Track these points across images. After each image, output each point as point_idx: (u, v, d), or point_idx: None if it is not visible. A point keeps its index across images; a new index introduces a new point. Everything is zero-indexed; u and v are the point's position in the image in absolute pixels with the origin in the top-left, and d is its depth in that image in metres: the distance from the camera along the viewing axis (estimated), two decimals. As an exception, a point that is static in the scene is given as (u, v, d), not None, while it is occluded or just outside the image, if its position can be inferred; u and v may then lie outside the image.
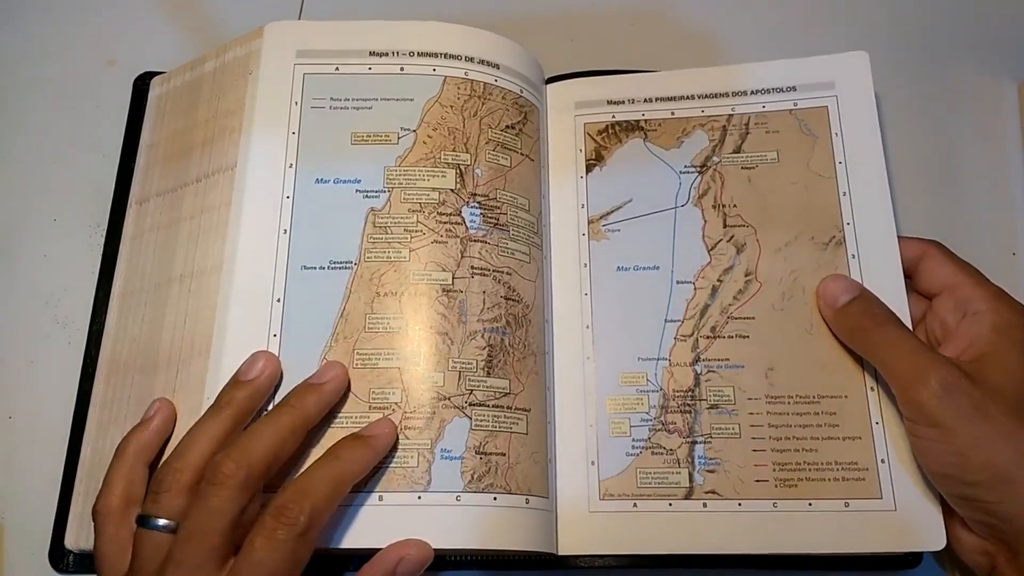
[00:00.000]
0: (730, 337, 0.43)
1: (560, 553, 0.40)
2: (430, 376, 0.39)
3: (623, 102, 0.48)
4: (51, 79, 0.54)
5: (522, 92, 0.46)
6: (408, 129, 0.44)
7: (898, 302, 0.42)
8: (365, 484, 0.38)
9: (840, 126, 0.46)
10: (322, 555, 0.42)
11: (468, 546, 0.37)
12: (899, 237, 0.43)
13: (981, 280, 0.41)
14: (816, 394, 0.41)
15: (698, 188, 0.46)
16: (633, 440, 0.42)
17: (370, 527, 0.37)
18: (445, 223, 0.42)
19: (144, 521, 0.35)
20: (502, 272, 0.42)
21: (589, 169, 0.47)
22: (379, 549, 0.40)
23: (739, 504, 0.40)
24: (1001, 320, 0.39)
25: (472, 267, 0.41)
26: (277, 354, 0.40)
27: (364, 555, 0.42)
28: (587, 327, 0.44)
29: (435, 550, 0.39)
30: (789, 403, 0.42)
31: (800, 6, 0.57)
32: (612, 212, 0.46)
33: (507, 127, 0.45)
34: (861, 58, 0.47)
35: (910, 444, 0.39)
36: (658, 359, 0.43)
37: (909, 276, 0.43)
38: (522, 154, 0.45)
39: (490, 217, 0.43)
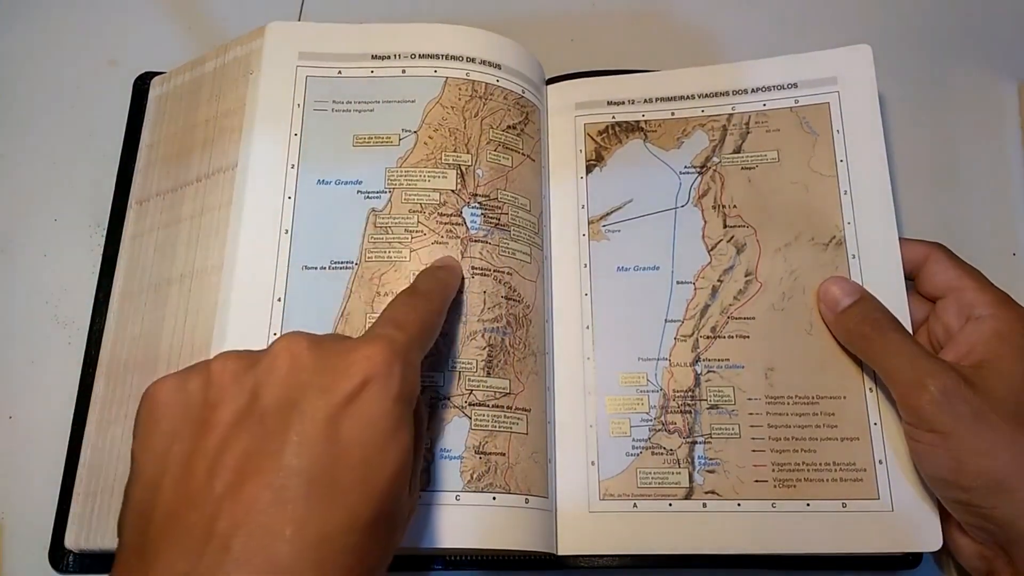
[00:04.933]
0: (730, 337, 0.43)
1: (560, 553, 0.40)
2: (430, 376, 0.39)
3: (623, 102, 0.48)
4: (51, 79, 0.54)
5: (523, 92, 0.46)
6: (409, 130, 0.44)
7: (898, 303, 0.42)
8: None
9: (842, 123, 0.46)
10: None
11: (467, 546, 0.37)
12: (903, 239, 0.43)
13: (985, 284, 0.41)
14: (815, 395, 0.41)
15: (698, 188, 0.46)
16: (633, 440, 0.42)
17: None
18: (446, 223, 0.42)
19: None
20: (503, 272, 0.42)
21: (589, 170, 0.47)
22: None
23: (738, 504, 0.40)
24: (1003, 326, 0.39)
25: (473, 267, 0.41)
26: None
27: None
28: (587, 327, 0.44)
29: (434, 550, 0.39)
30: (788, 403, 0.42)
31: (800, 6, 0.57)
32: (612, 212, 0.46)
33: (508, 127, 0.45)
34: (864, 52, 0.46)
35: (908, 448, 0.39)
36: (658, 359, 0.43)
37: (913, 279, 0.43)
38: (523, 154, 0.45)
39: (491, 217, 0.43)
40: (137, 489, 0.28)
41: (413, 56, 0.45)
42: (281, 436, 0.27)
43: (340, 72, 0.45)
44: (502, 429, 0.39)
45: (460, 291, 0.41)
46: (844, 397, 0.41)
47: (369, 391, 0.29)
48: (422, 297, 0.36)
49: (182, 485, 0.27)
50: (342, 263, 0.41)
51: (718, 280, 0.44)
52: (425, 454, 0.38)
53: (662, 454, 0.41)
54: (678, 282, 0.44)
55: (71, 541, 0.41)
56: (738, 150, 0.46)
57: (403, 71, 0.45)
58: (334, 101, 0.45)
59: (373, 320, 0.40)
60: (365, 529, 0.27)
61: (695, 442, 0.41)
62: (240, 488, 0.26)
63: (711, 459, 0.41)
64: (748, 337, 0.43)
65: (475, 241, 0.42)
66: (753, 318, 0.43)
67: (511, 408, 0.40)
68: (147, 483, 0.28)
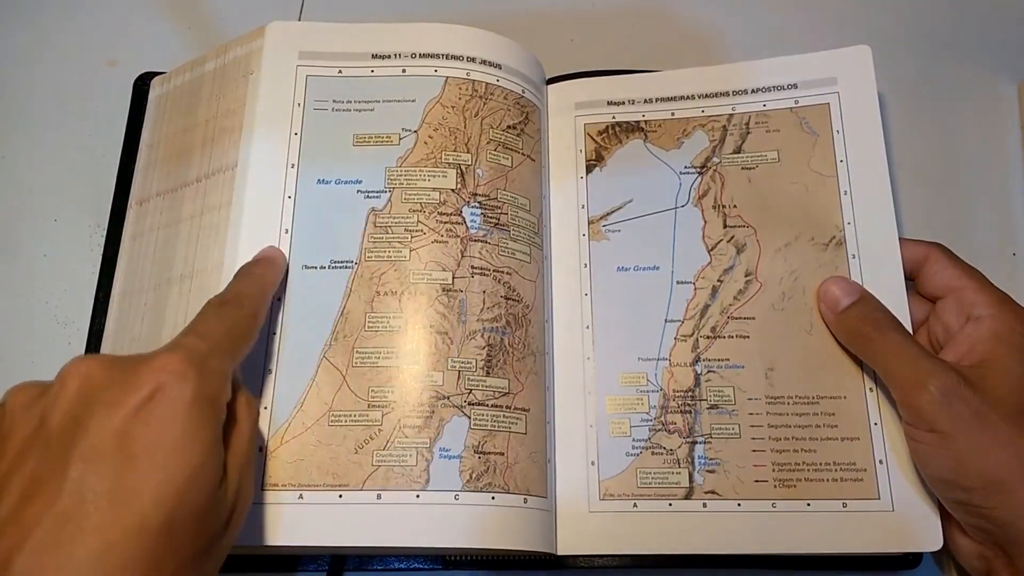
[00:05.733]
0: (730, 337, 0.43)
1: (560, 553, 0.40)
2: (429, 375, 0.39)
3: (623, 103, 0.48)
4: (51, 79, 0.54)
5: (524, 92, 0.46)
6: (409, 130, 0.44)
7: (898, 303, 0.42)
8: (364, 483, 0.38)
9: (842, 123, 0.46)
10: (321, 554, 0.42)
11: (466, 545, 0.37)
12: (903, 239, 0.43)
13: (985, 284, 0.40)
14: (815, 394, 0.41)
15: (698, 189, 0.46)
16: (633, 440, 0.42)
17: (368, 525, 0.37)
18: (445, 223, 0.42)
19: None
20: (502, 272, 0.42)
21: (589, 169, 0.47)
22: (377, 548, 0.40)
23: (738, 504, 0.40)
24: (1003, 326, 0.38)
25: (472, 267, 0.41)
26: (276, 353, 0.40)
27: (362, 554, 0.42)
28: (587, 327, 0.44)
29: (434, 549, 0.39)
30: (788, 403, 0.42)
31: (800, 6, 0.57)
32: (612, 212, 0.46)
33: (508, 127, 0.45)
34: (863, 53, 0.46)
35: (909, 448, 0.39)
36: (658, 359, 0.43)
37: (913, 279, 0.43)
38: (523, 154, 0.45)
39: (490, 217, 0.43)
40: None
41: (413, 55, 0.45)
42: (66, 455, 0.27)
43: (340, 72, 0.45)
44: (501, 429, 0.39)
45: (459, 290, 0.41)
46: (844, 397, 0.41)
47: (160, 398, 0.29)
48: (231, 304, 0.36)
49: None
50: (342, 262, 0.41)
51: (718, 280, 0.44)
52: (424, 453, 0.38)
53: (662, 454, 0.41)
54: (678, 282, 0.44)
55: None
56: (738, 150, 0.46)
57: (403, 70, 0.45)
58: (334, 100, 0.45)
59: (372, 320, 0.40)
60: (158, 533, 0.27)
61: (695, 442, 0.41)
62: (23, 509, 0.27)
63: (711, 459, 0.41)
64: (748, 337, 0.43)
65: (475, 241, 0.42)
66: (753, 318, 0.43)
67: (510, 408, 0.40)
68: None
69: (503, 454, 0.39)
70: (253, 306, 0.36)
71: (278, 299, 0.40)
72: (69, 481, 0.27)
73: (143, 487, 0.27)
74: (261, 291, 0.38)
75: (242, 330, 0.35)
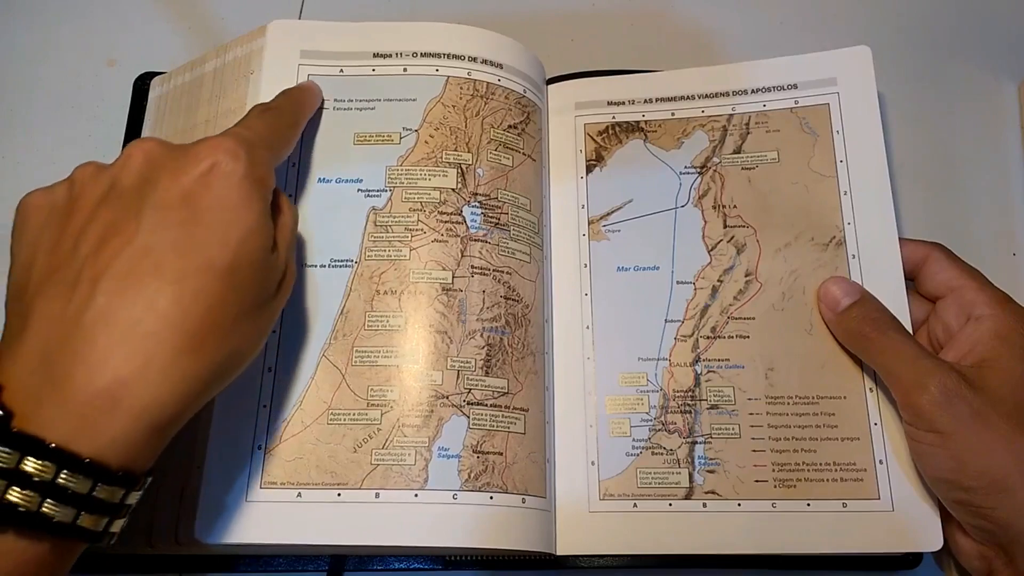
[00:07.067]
0: (730, 337, 0.43)
1: (560, 553, 0.40)
2: (429, 374, 0.39)
3: (623, 103, 0.48)
4: (51, 79, 0.54)
5: (525, 92, 0.46)
6: (410, 129, 0.44)
7: (898, 303, 0.42)
8: (362, 481, 0.38)
9: (841, 123, 0.46)
10: (319, 554, 0.42)
11: (465, 545, 0.37)
12: (903, 239, 0.43)
13: (985, 284, 0.40)
14: (815, 395, 0.41)
15: (698, 189, 0.46)
16: (633, 440, 0.42)
17: (366, 525, 0.37)
18: (446, 222, 0.42)
19: None
20: (502, 272, 0.42)
21: (589, 169, 0.47)
22: (375, 547, 0.40)
23: (738, 504, 0.40)
24: (1003, 326, 0.38)
25: (472, 266, 0.41)
26: (276, 352, 0.40)
27: (360, 554, 0.42)
28: (587, 327, 0.44)
29: (432, 549, 0.39)
30: (788, 403, 0.41)
31: (800, 7, 0.57)
32: (612, 212, 0.46)
33: (509, 127, 0.45)
34: (863, 53, 0.46)
35: (909, 449, 0.39)
36: (658, 359, 0.43)
37: (913, 279, 0.43)
38: (524, 154, 0.45)
39: (491, 217, 0.43)
40: (14, 274, 0.31)
41: (415, 55, 0.45)
42: (138, 206, 0.30)
43: (342, 71, 0.45)
44: (500, 429, 0.39)
45: (459, 290, 0.41)
46: (844, 397, 0.41)
47: (216, 171, 0.32)
48: (273, 110, 0.39)
49: (53, 257, 0.30)
50: (342, 261, 0.41)
51: (718, 280, 0.44)
52: (423, 452, 0.38)
53: (662, 454, 0.41)
54: (678, 282, 0.44)
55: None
56: (738, 150, 0.46)
57: (404, 69, 0.45)
58: (335, 99, 0.45)
59: (372, 319, 0.40)
60: (223, 273, 0.30)
61: (695, 442, 0.41)
62: (103, 248, 0.30)
63: (711, 459, 0.41)
64: (748, 337, 0.43)
65: (475, 240, 0.42)
66: (753, 318, 0.43)
67: (509, 408, 0.40)
68: (22, 266, 0.31)
69: (502, 454, 0.39)
70: (292, 117, 0.40)
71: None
72: (143, 225, 0.30)
73: (209, 235, 0.30)
74: (300, 107, 0.41)
75: (283, 132, 0.38)
